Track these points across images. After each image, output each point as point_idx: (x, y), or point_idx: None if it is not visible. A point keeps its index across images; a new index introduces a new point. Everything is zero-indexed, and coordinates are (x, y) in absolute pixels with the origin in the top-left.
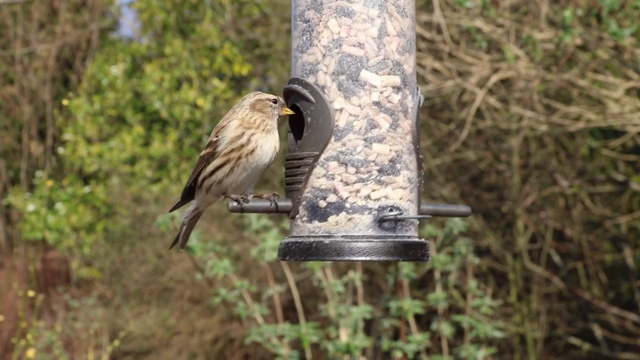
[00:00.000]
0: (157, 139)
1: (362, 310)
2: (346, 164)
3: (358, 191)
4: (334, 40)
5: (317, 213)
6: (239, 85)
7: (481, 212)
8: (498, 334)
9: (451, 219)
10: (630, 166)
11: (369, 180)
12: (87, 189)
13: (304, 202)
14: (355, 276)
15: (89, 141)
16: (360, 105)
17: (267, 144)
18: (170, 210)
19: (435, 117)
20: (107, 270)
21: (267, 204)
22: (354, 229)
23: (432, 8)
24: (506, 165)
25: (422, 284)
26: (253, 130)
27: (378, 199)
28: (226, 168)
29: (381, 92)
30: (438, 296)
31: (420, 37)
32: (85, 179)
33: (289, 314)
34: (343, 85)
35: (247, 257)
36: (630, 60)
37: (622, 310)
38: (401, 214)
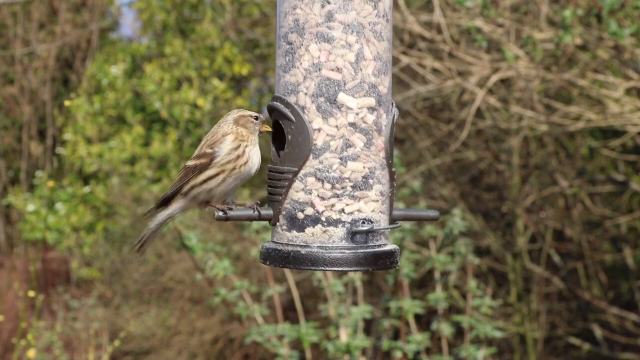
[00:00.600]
0: (157, 139)
1: (362, 310)
2: (323, 180)
3: (333, 205)
4: (314, 64)
5: (296, 224)
6: (239, 85)
7: (481, 212)
8: (498, 334)
9: (451, 219)
10: (630, 166)
11: (343, 195)
12: (87, 189)
13: (283, 212)
14: (355, 276)
15: (89, 141)
16: (337, 126)
17: (255, 156)
18: (144, 216)
19: (435, 117)
20: (107, 270)
21: (250, 212)
22: (328, 241)
23: (432, 8)
24: (506, 165)
25: (422, 284)
26: (246, 143)
27: (351, 213)
28: (219, 178)
29: (357, 114)
30: (438, 296)
31: (420, 37)
32: (85, 179)
33: (289, 314)
34: (321, 107)
35: (247, 257)
36: (630, 60)
37: (622, 310)
38: (372, 226)
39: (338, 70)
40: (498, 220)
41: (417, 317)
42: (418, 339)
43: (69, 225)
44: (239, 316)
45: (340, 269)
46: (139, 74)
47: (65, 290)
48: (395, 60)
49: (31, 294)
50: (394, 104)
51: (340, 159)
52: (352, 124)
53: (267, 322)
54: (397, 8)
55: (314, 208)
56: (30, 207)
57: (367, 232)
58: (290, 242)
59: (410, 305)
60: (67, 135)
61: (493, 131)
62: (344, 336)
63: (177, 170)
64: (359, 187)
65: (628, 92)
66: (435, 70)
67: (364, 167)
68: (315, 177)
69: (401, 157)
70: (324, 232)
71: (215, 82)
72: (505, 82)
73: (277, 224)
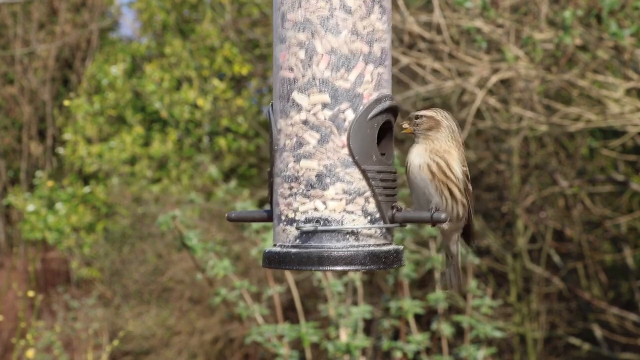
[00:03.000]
0: (157, 139)
1: (362, 310)
2: (283, 180)
3: (290, 204)
4: (277, 65)
5: (279, 223)
6: (239, 85)
7: (481, 212)
8: (498, 334)
9: None
10: (630, 166)
11: (297, 194)
12: (87, 189)
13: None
14: (355, 276)
15: (89, 141)
16: (292, 124)
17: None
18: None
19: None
20: (107, 270)
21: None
22: (286, 240)
23: (432, 8)
24: (506, 165)
25: (422, 284)
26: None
27: (305, 212)
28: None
29: (308, 111)
30: (438, 296)
31: (420, 38)
32: (85, 179)
33: (289, 314)
34: (281, 108)
35: (247, 257)
36: (630, 61)
37: (622, 310)
38: (316, 227)
39: (290, 69)
40: (498, 220)
41: (417, 317)
42: (418, 339)
43: (69, 225)
44: (239, 316)
45: (291, 267)
46: (139, 74)
47: (65, 290)
48: (394, 61)
49: (30, 294)
50: (389, 100)
51: (294, 157)
52: (304, 121)
53: (267, 322)
54: (397, 9)
55: (278, 207)
56: (30, 207)
57: (315, 231)
58: (278, 243)
59: (410, 305)
60: (67, 135)
61: (493, 131)
62: (344, 336)
63: (177, 170)
64: (312, 185)
65: (628, 92)
66: (435, 71)
67: (318, 165)
68: (279, 177)
69: (401, 157)
70: (284, 230)
71: (215, 82)
72: (505, 82)
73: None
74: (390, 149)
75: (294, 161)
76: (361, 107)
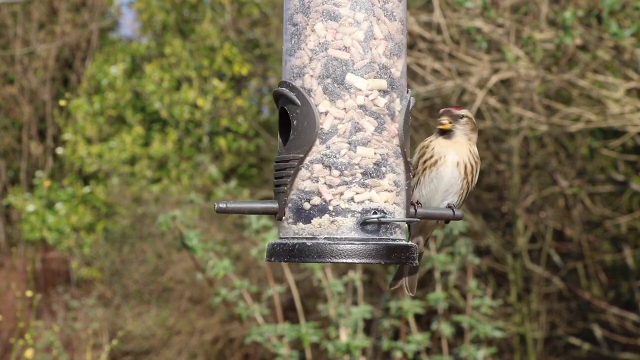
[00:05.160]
0: (157, 139)
1: (362, 310)
2: (330, 167)
3: (342, 194)
4: (320, 43)
5: (302, 215)
6: (239, 85)
7: (481, 212)
8: (498, 334)
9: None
10: (630, 166)
11: (352, 183)
12: (87, 189)
13: (289, 204)
14: (355, 276)
15: (88, 141)
16: (345, 109)
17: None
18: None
19: (435, 117)
20: (107, 270)
21: (254, 205)
22: (336, 232)
23: (432, 8)
24: (506, 165)
25: (422, 284)
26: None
27: (361, 202)
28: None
29: (366, 96)
30: (438, 296)
31: (420, 37)
32: (85, 179)
33: (289, 314)
34: (328, 89)
35: (247, 257)
36: (631, 61)
37: (622, 310)
38: (384, 216)
39: (346, 49)
40: (498, 220)
41: (417, 317)
42: (418, 339)
43: (69, 225)
44: (239, 316)
45: (349, 260)
46: (138, 74)
47: (65, 290)
48: None
49: (29, 294)
50: (409, 91)
51: (349, 143)
52: (362, 107)
53: (267, 322)
54: None
55: (321, 197)
56: (30, 207)
57: (379, 222)
58: (297, 236)
59: (410, 305)
60: (67, 135)
61: (493, 131)
62: (344, 336)
63: (177, 170)
64: (370, 174)
65: (628, 92)
66: (435, 71)
67: (375, 153)
68: (323, 164)
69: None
70: (332, 222)
71: (215, 82)
72: (505, 82)
73: (283, 217)
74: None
75: (349, 148)
76: (406, 98)
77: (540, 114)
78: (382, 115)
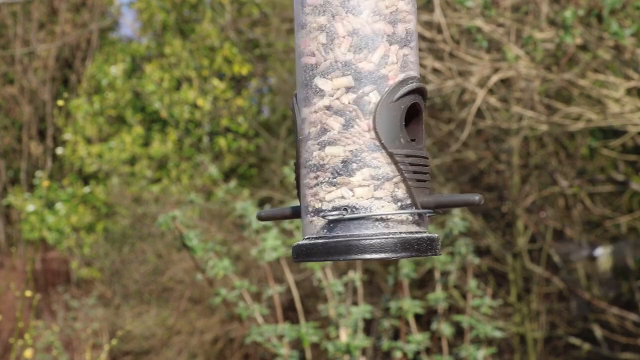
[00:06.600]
0: (157, 139)
1: (362, 310)
2: (308, 170)
3: (316, 194)
4: (298, 53)
5: (304, 217)
6: (239, 85)
7: (481, 212)
8: (498, 334)
9: (451, 220)
10: (630, 166)
11: (323, 183)
12: (87, 189)
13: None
14: (355, 276)
15: (88, 141)
16: (315, 111)
17: None
18: None
19: (435, 117)
20: (107, 270)
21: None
22: (313, 231)
23: (433, 7)
24: (506, 165)
25: (422, 284)
26: None
27: (331, 201)
28: None
29: (331, 95)
30: (438, 296)
31: (420, 37)
32: (85, 179)
33: (289, 314)
34: (304, 95)
35: (247, 257)
36: (631, 60)
37: (622, 310)
38: (344, 214)
39: (312, 54)
40: (498, 220)
41: (417, 317)
42: (418, 339)
43: (69, 225)
44: (239, 316)
45: (320, 259)
46: (138, 74)
47: (65, 290)
48: None
49: (28, 293)
50: (416, 81)
51: (319, 144)
52: (328, 107)
53: (267, 322)
54: None
55: (305, 199)
56: (30, 207)
57: (341, 219)
58: (304, 236)
59: (410, 305)
60: (67, 135)
61: (493, 131)
62: (344, 336)
63: (177, 170)
64: (338, 172)
65: (629, 92)
66: (435, 70)
67: (343, 151)
68: (305, 168)
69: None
70: (310, 222)
71: (215, 82)
72: (505, 82)
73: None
74: (421, 133)
75: (319, 149)
76: (386, 89)
77: (540, 114)
78: (348, 112)
